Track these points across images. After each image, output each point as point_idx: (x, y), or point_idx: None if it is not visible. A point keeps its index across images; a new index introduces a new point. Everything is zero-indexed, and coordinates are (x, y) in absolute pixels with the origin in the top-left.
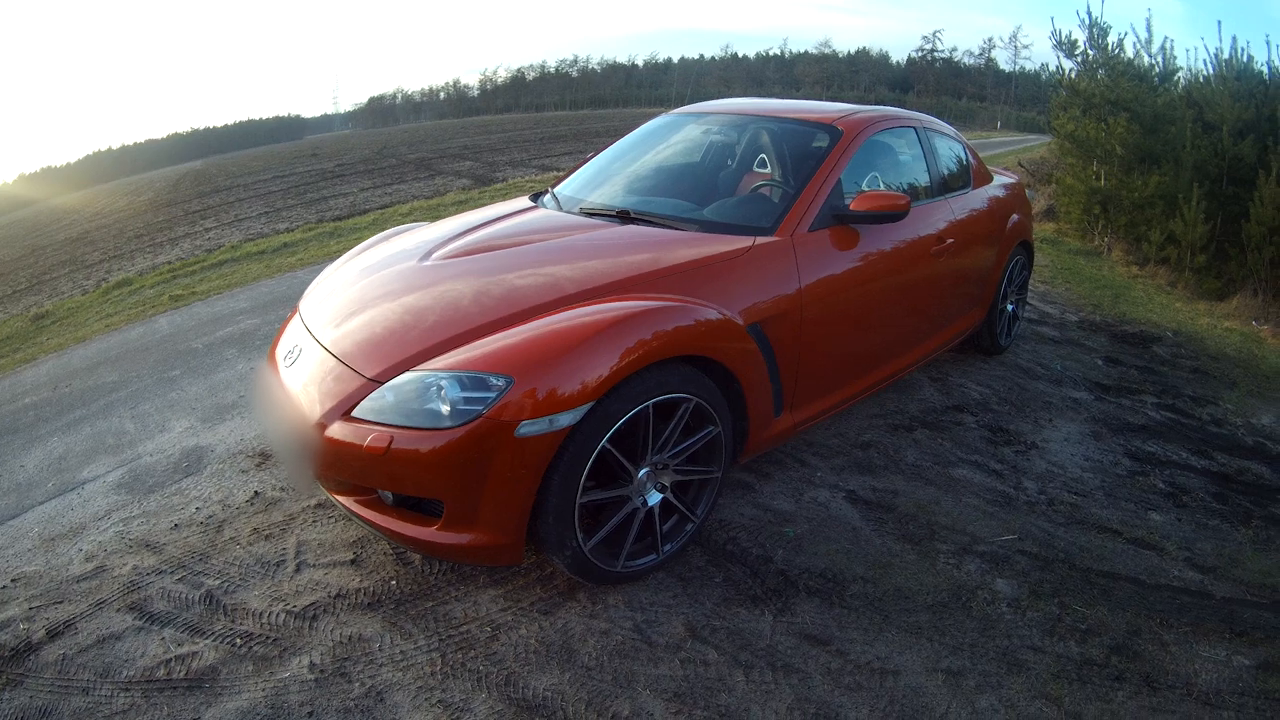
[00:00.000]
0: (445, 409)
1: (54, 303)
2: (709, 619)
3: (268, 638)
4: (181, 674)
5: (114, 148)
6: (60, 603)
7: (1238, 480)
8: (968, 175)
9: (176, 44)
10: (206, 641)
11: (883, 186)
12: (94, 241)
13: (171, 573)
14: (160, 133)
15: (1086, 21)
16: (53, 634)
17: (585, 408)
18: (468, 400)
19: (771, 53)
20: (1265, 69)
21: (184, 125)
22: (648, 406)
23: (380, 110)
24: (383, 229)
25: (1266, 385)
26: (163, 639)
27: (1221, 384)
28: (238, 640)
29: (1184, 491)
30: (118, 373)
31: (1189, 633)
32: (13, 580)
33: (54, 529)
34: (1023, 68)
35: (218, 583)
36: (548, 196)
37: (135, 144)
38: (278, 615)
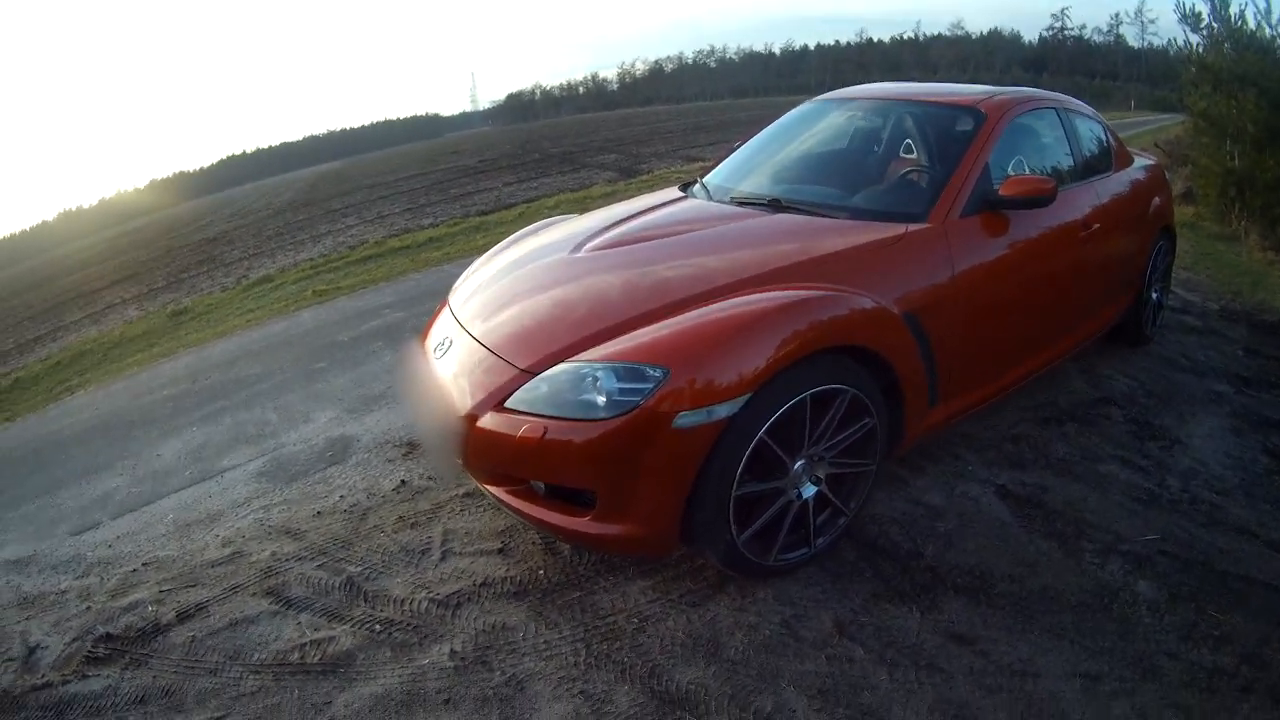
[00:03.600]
0: (600, 400)
1: (192, 300)
2: (857, 615)
3: (408, 625)
4: (316, 658)
5: (249, 151)
6: (193, 586)
7: None
8: (1109, 158)
9: (310, 47)
10: (344, 627)
11: (1028, 170)
12: (232, 241)
13: (311, 559)
14: (296, 135)
15: None
16: (183, 616)
17: (743, 399)
18: (624, 391)
19: (906, 36)
20: None
21: (319, 128)
22: (805, 397)
23: (519, 106)
24: (529, 222)
25: None
26: (299, 624)
27: None
28: (377, 626)
29: None
30: (260, 365)
31: None
32: (144, 564)
33: (190, 515)
34: (1151, 44)
35: (359, 569)
36: (697, 186)
37: (270, 147)
38: (420, 603)
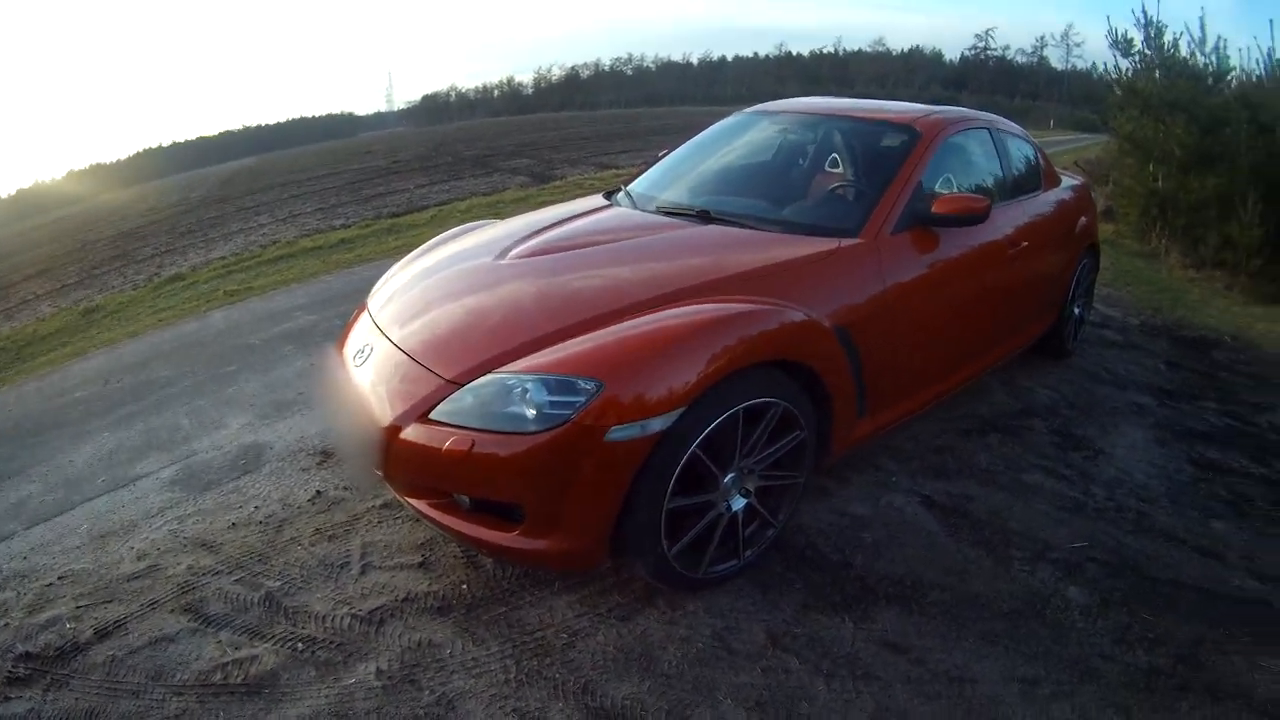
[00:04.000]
0: (530, 412)
1: (104, 297)
2: (789, 626)
3: (331, 642)
4: (239, 678)
5: (165, 144)
6: (110, 602)
7: None
8: (1039, 178)
9: (227, 42)
10: (266, 645)
11: (956, 188)
12: (145, 236)
13: (229, 573)
14: (212, 130)
15: (1142, 21)
16: (101, 634)
17: (677, 412)
18: (554, 404)
19: (826, 51)
20: None
21: (235, 123)
22: (738, 411)
23: (434, 108)
24: (442, 225)
25: None
26: (219, 642)
27: (1278, 391)
28: (299, 644)
29: (1245, 500)
30: (171, 368)
31: (1249, 643)
32: (59, 578)
33: (104, 526)
34: (1074, 66)
35: (278, 584)
36: (621, 194)
37: (187, 141)
38: (342, 619)
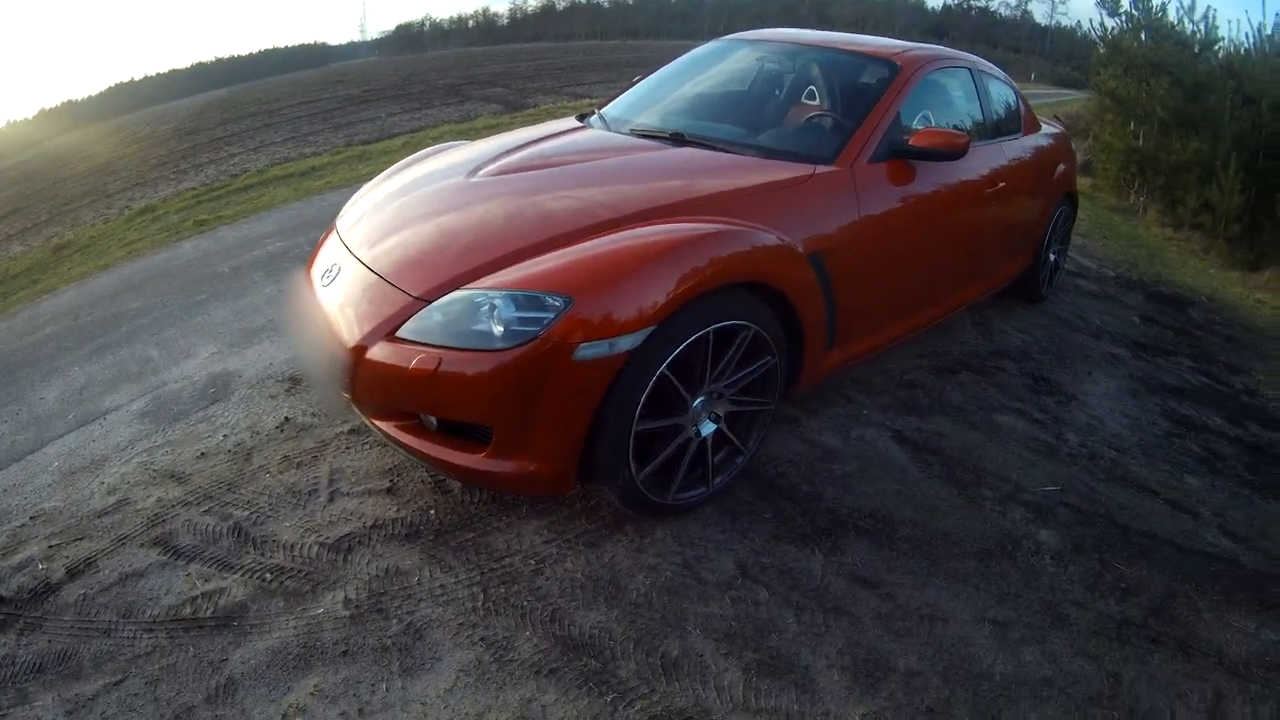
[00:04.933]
0: (498, 329)
1: (75, 232)
2: (759, 557)
3: (299, 572)
4: (209, 612)
5: (136, 79)
6: (80, 539)
7: (1269, 453)
8: (1018, 121)
9: None
10: (235, 577)
11: (933, 124)
12: (116, 171)
13: (197, 504)
14: (184, 63)
15: None
16: (72, 573)
17: (647, 331)
18: (522, 320)
19: None
20: None
21: (208, 55)
22: (708, 333)
23: (408, 38)
24: (413, 152)
25: None
26: (188, 575)
27: (1254, 355)
28: (268, 575)
29: (1218, 458)
30: (141, 299)
31: (1221, 601)
32: (31, 518)
33: (74, 462)
34: (1059, 22)
35: (246, 514)
36: (594, 117)
37: (158, 74)
38: (310, 548)
